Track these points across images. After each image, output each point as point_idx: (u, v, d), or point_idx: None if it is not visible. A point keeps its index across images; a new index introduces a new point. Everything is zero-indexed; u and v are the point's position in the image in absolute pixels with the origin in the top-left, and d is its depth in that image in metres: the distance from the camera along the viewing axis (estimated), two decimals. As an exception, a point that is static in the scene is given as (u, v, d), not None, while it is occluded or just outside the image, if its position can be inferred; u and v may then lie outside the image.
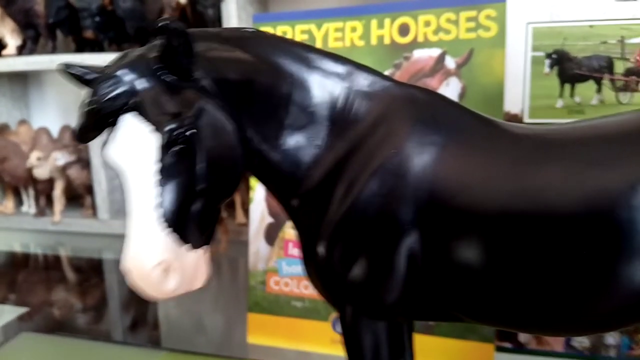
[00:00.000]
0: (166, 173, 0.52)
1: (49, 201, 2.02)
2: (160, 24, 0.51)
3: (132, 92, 0.54)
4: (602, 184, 0.50)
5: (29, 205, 2.08)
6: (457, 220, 0.55)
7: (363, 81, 0.63)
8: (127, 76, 0.54)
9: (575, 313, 0.53)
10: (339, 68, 0.63)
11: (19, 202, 2.13)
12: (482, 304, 0.57)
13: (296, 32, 1.07)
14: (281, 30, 1.08)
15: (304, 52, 0.63)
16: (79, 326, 1.33)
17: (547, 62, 0.97)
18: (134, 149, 0.53)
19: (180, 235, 0.53)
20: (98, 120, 0.54)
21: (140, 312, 1.42)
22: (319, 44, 1.05)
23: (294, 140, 0.62)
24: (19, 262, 1.87)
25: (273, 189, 0.67)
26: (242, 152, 0.59)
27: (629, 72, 0.95)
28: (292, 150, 0.62)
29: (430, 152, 0.58)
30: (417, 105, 0.62)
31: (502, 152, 0.57)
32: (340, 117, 0.62)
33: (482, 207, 0.54)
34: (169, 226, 0.52)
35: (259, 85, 0.60)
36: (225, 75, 0.58)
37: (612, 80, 0.96)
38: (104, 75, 0.55)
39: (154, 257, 0.50)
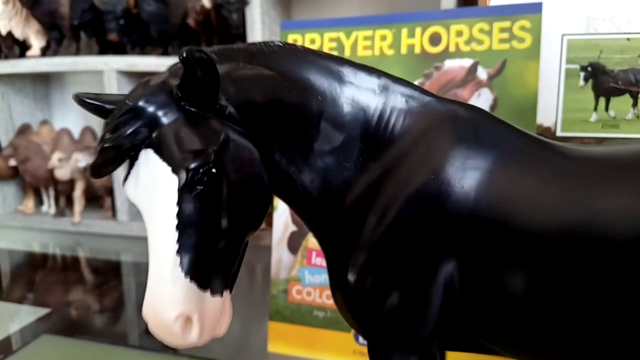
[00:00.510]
0: (187, 217, 0.48)
1: (69, 202, 2.04)
2: (184, 54, 0.46)
3: (152, 126, 0.50)
4: None
5: (49, 206, 2.10)
6: (502, 248, 0.52)
7: (399, 97, 0.59)
8: (148, 108, 0.50)
9: (624, 350, 0.49)
10: (374, 82, 0.59)
11: (39, 202, 2.14)
12: (522, 335, 0.53)
13: (325, 40, 1.06)
14: (309, 37, 1.07)
15: (336, 65, 0.59)
16: (96, 328, 1.33)
17: (582, 75, 0.95)
18: (152, 189, 0.49)
19: (201, 283, 0.48)
20: (116, 155, 0.51)
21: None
22: (347, 53, 1.04)
23: (324, 162, 0.58)
24: (38, 262, 1.88)
25: (301, 212, 0.63)
26: (269, 179, 0.55)
27: (666, 87, 0.93)
28: (322, 173, 0.58)
29: (472, 176, 0.54)
30: (458, 124, 0.58)
31: (552, 175, 0.53)
32: (374, 137, 0.58)
33: (530, 235, 0.51)
34: (189, 274, 0.48)
35: (287, 104, 0.56)
36: (251, 97, 0.54)
37: (649, 95, 0.94)
38: (124, 107, 0.51)
39: (173, 310, 0.47)
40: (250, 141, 0.53)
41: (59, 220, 2.01)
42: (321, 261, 1.09)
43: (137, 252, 1.89)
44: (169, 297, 0.46)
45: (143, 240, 1.63)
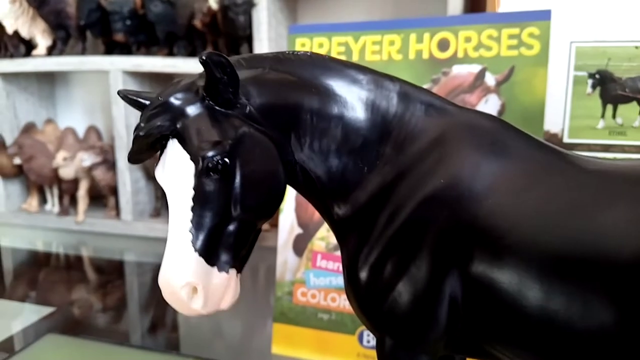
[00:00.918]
0: (201, 199, 0.54)
1: (73, 200, 2.04)
2: (202, 57, 0.52)
3: (178, 119, 0.55)
4: None
5: (53, 204, 2.10)
6: (504, 260, 0.52)
7: (419, 105, 0.61)
8: (175, 103, 0.55)
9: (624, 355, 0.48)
10: (394, 90, 0.62)
11: (43, 200, 2.15)
12: (525, 347, 0.53)
13: (333, 45, 1.06)
14: (318, 42, 1.07)
15: (359, 73, 0.62)
16: (101, 328, 1.34)
17: (590, 82, 0.96)
18: (175, 173, 0.55)
19: (208, 259, 0.54)
20: (148, 143, 0.56)
21: (160, 316, 1.42)
22: (355, 57, 1.04)
23: (342, 163, 0.61)
24: (42, 260, 1.88)
25: (320, 208, 0.66)
26: (285, 176, 0.59)
27: (673, 95, 0.94)
28: (340, 172, 0.61)
29: (484, 185, 0.55)
30: (475, 132, 0.59)
31: (564, 189, 0.53)
32: (391, 141, 0.60)
33: (532, 250, 0.51)
34: (198, 250, 0.53)
35: (308, 108, 0.60)
36: (272, 100, 0.59)
37: (656, 103, 0.95)
38: (156, 102, 0.57)
39: (181, 279, 0.52)
40: (269, 138, 0.57)
41: (63, 219, 2.02)
42: (326, 264, 1.09)
43: (140, 252, 1.90)
44: (179, 268, 0.52)
45: (147, 239, 1.64)
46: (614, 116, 0.96)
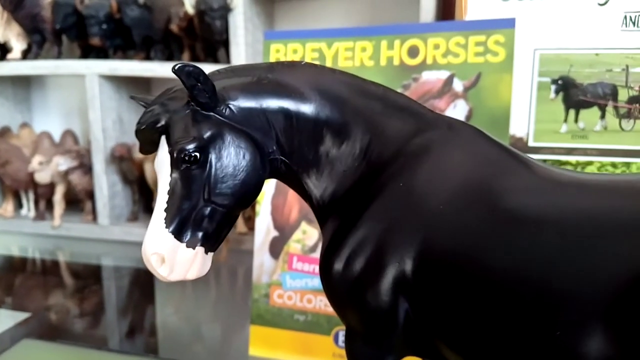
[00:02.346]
0: (173, 186, 0.62)
1: (49, 205, 2.03)
2: (174, 68, 0.58)
3: (166, 117, 0.63)
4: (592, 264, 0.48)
5: (29, 209, 2.08)
6: (443, 268, 0.55)
7: (396, 111, 0.65)
8: (166, 104, 0.64)
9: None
10: (374, 98, 0.66)
11: (19, 205, 2.13)
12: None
13: (307, 50, 1.08)
14: (292, 47, 1.09)
15: (343, 80, 0.67)
16: (77, 332, 1.34)
17: (553, 87, 1.00)
18: (161, 163, 0.63)
19: (177, 235, 0.61)
20: (147, 137, 0.65)
21: (138, 320, 1.43)
22: (329, 63, 1.06)
23: (326, 165, 0.66)
24: (18, 265, 1.87)
25: (302, 197, 0.72)
26: (264, 170, 0.65)
27: (632, 100, 0.98)
28: (324, 174, 0.66)
29: (438, 192, 0.58)
30: (442, 140, 0.62)
31: (505, 206, 0.55)
32: (368, 145, 0.65)
33: (470, 263, 0.54)
34: (168, 227, 0.61)
35: (291, 112, 0.65)
36: (254, 104, 0.64)
37: (616, 108, 0.99)
38: (153, 103, 0.65)
39: (152, 248, 0.60)
40: (248, 137, 0.63)
41: (39, 224, 2.00)
42: (302, 266, 1.11)
43: (117, 256, 1.89)
44: (151, 240, 0.61)
45: (124, 244, 1.63)
46: (576, 120, 1.00)
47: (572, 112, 1.00)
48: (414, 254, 0.57)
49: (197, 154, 0.60)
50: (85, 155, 1.89)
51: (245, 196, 0.64)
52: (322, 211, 0.68)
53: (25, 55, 1.98)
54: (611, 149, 0.99)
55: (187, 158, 0.60)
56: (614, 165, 0.98)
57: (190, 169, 0.61)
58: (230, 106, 0.63)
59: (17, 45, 1.97)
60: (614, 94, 0.98)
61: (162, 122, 0.62)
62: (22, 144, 2.06)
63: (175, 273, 0.62)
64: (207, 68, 1.78)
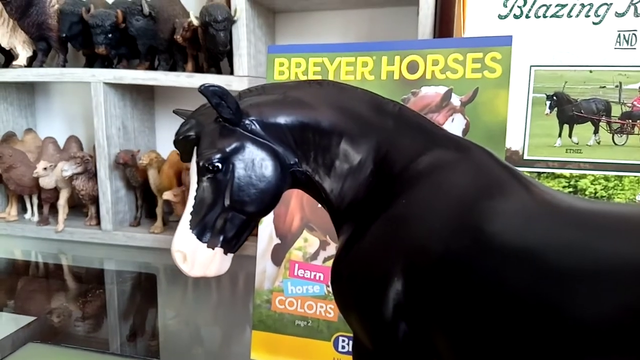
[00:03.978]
0: (198, 192, 0.68)
1: (52, 209, 2.05)
2: (200, 88, 0.64)
3: (198, 130, 0.70)
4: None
5: (32, 213, 2.11)
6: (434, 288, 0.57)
7: (410, 129, 0.69)
8: (199, 120, 0.71)
9: None
10: (390, 116, 0.70)
11: (22, 209, 2.15)
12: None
13: (310, 64, 1.12)
14: (295, 61, 1.13)
15: (362, 98, 0.71)
16: (83, 336, 1.36)
17: (548, 103, 1.03)
18: (192, 171, 0.70)
19: (200, 236, 0.67)
20: (182, 147, 0.72)
21: (140, 324, 1.45)
22: (331, 76, 1.10)
23: (342, 176, 0.70)
24: (21, 269, 1.89)
25: (321, 203, 0.76)
26: (284, 181, 0.70)
27: (625, 116, 1.02)
28: (340, 184, 0.71)
29: (433, 213, 0.60)
30: (448, 159, 0.64)
31: (507, 218, 0.56)
32: (380, 160, 0.68)
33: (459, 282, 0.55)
34: (191, 228, 0.67)
35: (311, 127, 0.70)
36: (276, 119, 0.69)
37: (609, 123, 1.02)
38: (189, 117, 0.73)
39: (177, 246, 0.68)
40: (270, 150, 0.69)
41: (42, 228, 2.03)
42: (303, 273, 1.14)
43: (120, 261, 1.92)
44: (177, 239, 0.68)
45: (126, 248, 1.66)
46: (570, 135, 1.03)
47: (566, 127, 1.03)
48: (405, 273, 0.60)
49: (220, 164, 0.66)
50: (89, 161, 1.92)
51: (264, 204, 0.69)
52: (339, 218, 0.73)
53: (31, 62, 2.01)
54: (604, 162, 1.02)
55: (210, 167, 0.66)
56: (606, 178, 1.02)
57: (214, 178, 0.67)
58: (255, 121, 0.68)
59: (23, 52, 2.00)
60: (607, 110, 1.02)
61: (194, 135, 0.69)
62: (26, 149, 2.08)
63: (196, 270, 0.68)
64: (210, 78, 1.80)
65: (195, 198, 0.68)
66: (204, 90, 0.65)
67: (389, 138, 0.68)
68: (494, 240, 0.54)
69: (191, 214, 0.68)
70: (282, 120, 0.69)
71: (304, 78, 1.13)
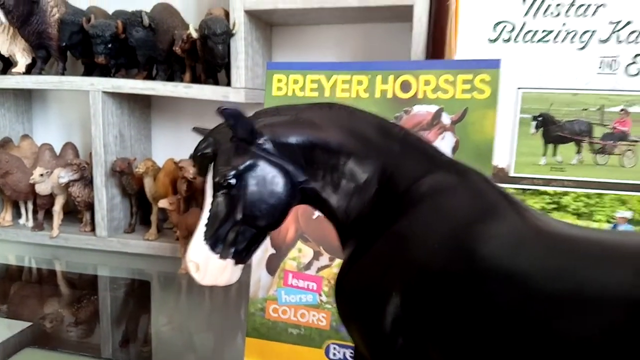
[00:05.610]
0: (213, 206, 0.72)
1: (47, 215, 2.07)
2: (219, 110, 0.69)
3: (215, 148, 0.73)
4: None
5: (27, 219, 2.12)
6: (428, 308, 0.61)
7: (413, 152, 0.73)
8: (216, 138, 0.74)
9: None
10: (395, 139, 0.74)
11: (17, 214, 2.17)
12: None
13: (307, 81, 1.16)
14: (293, 78, 1.17)
15: (370, 121, 0.75)
16: (79, 341, 1.37)
17: (534, 124, 1.08)
18: (208, 186, 0.74)
19: (212, 248, 0.71)
20: (199, 163, 0.75)
21: (133, 330, 1.48)
22: (327, 94, 1.14)
23: (348, 194, 0.74)
24: (14, 274, 1.90)
25: (328, 219, 0.79)
26: (293, 198, 0.74)
27: (606, 137, 1.07)
28: (346, 201, 0.74)
29: (430, 235, 0.64)
30: (447, 182, 0.68)
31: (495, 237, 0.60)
32: (385, 182, 0.72)
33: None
34: (205, 240, 0.71)
35: (320, 147, 0.73)
36: (287, 139, 0.73)
37: (591, 143, 1.07)
38: (207, 135, 0.76)
39: (190, 256, 0.72)
40: (281, 168, 0.72)
41: (37, 234, 2.04)
42: (297, 282, 1.18)
43: (114, 267, 1.94)
44: (191, 249, 0.72)
45: (121, 254, 1.67)
46: (554, 154, 1.08)
47: (550, 146, 1.08)
48: (403, 290, 0.63)
49: (233, 181, 0.70)
50: (86, 168, 1.94)
51: (274, 218, 0.73)
52: (344, 233, 0.76)
53: (29, 69, 2.03)
54: (586, 181, 1.08)
55: (224, 184, 0.70)
56: (588, 196, 1.07)
57: (228, 194, 0.71)
58: (268, 141, 0.72)
59: (22, 60, 2.02)
60: (589, 131, 1.07)
61: (210, 152, 0.73)
62: (22, 155, 2.10)
63: (207, 279, 0.73)
64: (208, 89, 1.84)
65: (209, 211, 0.72)
66: (221, 111, 0.69)
67: (394, 160, 0.72)
68: (486, 262, 0.58)
69: (206, 225, 0.71)
70: (293, 140, 0.73)
71: (301, 94, 1.17)
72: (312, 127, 0.74)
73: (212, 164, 0.73)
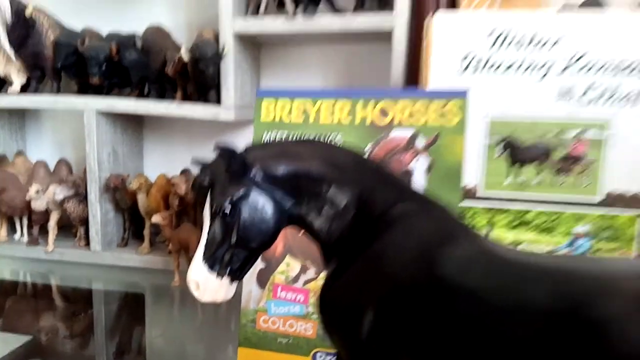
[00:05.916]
0: (210, 231, 0.79)
1: (42, 230, 2.12)
2: (214, 148, 0.77)
3: (212, 179, 0.80)
4: None
5: (22, 234, 2.17)
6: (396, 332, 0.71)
7: (385, 184, 0.82)
8: (213, 170, 0.81)
9: None
10: (369, 171, 0.83)
11: (12, 229, 2.21)
12: None
13: (294, 106, 1.26)
14: (281, 104, 1.26)
15: (347, 156, 0.84)
16: (74, 354, 1.42)
17: (499, 147, 1.20)
18: (206, 213, 0.81)
19: (210, 267, 0.79)
20: (199, 191, 0.82)
21: (127, 341, 1.53)
22: (311, 119, 1.24)
23: (329, 218, 0.82)
24: (9, 289, 1.92)
25: (314, 241, 0.87)
26: (281, 222, 0.81)
27: (564, 159, 1.18)
28: (328, 224, 0.82)
29: (397, 258, 0.74)
30: (414, 211, 0.78)
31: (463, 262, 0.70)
32: (362, 207, 0.80)
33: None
34: (204, 260, 0.79)
35: (304, 177, 0.81)
36: (275, 171, 0.80)
37: (551, 165, 1.19)
38: (204, 167, 0.83)
39: (190, 276, 0.80)
40: (271, 197, 0.80)
41: (32, 249, 2.10)
42: (285, 295, 1.27)
43: (108, 281, 1.98)
44: (192, 269, 0.80)
45: (114, 268, 1.73)
46: (517, 175, 1.20)
47: (514, 168, 1.20)
48: (377, 304, 0.73)
49: (229, 209, 0.77)
50: (80, 184, 2.01)
51: (264, 241, 0.81)
52: (327, 253, 0.85)
53: (24, 88, 2.10)
54: (546, 199, 1.19)
55: (220, 212, 0.77)
56: (548, 213, 1.18)
57: (223, 220, 0.78)
58: (258, 172, 0.79)
59: (17, 80, 2.08)
60: (548, 153, 1.18)
61: (207, 182, 0.80)
62: (17, 171, 2.15)
63: (206, 296, 0.80)
64: (199, 108, 1.92)
65: (208, 234, 0.79)
66: (216, 149, 0.78)
67: (369, 188, 0.81)
68: (445, 279, 0.68)
69: (204, 248, 0.79)
70: (280, 171, 0.80)
71: (288, 119, 1.27)
72: (296, 159, 0.82)
73: (210, 193, 0.80)
